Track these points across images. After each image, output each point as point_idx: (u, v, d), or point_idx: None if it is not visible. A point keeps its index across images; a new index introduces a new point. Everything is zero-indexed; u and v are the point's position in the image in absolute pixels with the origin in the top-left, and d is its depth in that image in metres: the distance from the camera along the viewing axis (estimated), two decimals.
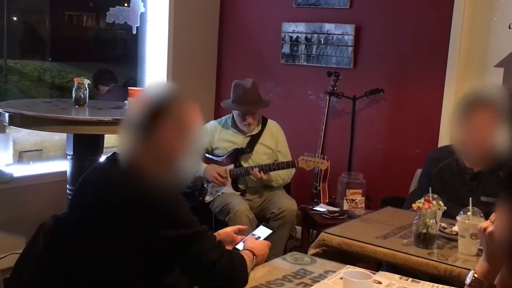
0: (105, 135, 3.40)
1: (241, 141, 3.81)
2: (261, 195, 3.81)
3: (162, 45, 4.73)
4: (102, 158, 3.28)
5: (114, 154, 1.73)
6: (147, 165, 1.65)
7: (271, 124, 3.90)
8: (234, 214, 3.51)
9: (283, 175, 3.81)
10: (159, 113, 1.65)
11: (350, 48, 4.35)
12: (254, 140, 3.81)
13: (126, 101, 3.58)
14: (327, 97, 4.24)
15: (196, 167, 1.74)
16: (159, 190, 1.61)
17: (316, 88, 4.55)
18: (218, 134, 3.83)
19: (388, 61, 4.27)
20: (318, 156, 3.68)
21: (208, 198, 3.83)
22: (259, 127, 3.84)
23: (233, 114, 3.82)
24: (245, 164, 3.78)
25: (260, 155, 3.80)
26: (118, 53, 5.15)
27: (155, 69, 4.80)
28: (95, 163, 1.91)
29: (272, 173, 3.72)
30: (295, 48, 4.64)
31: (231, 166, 3.79)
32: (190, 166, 1.71)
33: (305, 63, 4.60)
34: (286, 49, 4.69)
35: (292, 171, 3.84)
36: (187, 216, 1.67)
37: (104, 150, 3.45)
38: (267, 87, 4.74)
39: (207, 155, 3.86)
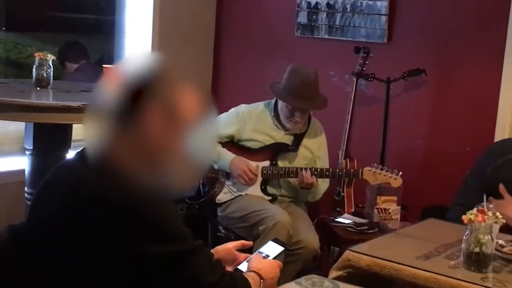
0: (74, 125, 3.39)
1: (280, 137, 3.80)
2: (285, 209, 3.76)
3: (146, 11, 4.72)
4: (70, 154, 3.29)
5: (86, 149, 1.73)
6: (127, 164, 1.64)
7: (315, 123, 3.90)
8: (274, 226, 3.46)
9: (322, 188, 3.83)
10: (140, 95, 1.63)
11: (384, 18, 4.34)
12: (298, 138, 3.81)
13: (99, 82, 3.58)
14: (354, 80, 4.23)
15: (196, 171, 1.73)
16: (142, 195, 1.61)
17: (340, 67, 4.53)
18: (253, 123, 3.81)
19: (431, 34, 4.25)
20: (388, 170, 3.68)
21: (222, 198, 3.81)
22: (305, 127, 3.84)
23: (276, 101, 3.81)
24: (282, 165, 3.77)
25: (299, 159, 3.80)
26: (90, 22, 5.14)
27: (137, 42, 4.79)
28: (62, 160, 1.91)
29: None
30: (314, 17, 4.62)
31: (266, 163, 3.79)
32: (185, 168, 1.70)
33: (326, 36, 4.59)
34: (302, 18, 4.67)
35: (326, 186, 3.86)
36: (177, 228, 1.66)
37: (72, 144, 3.45)
38: (278, 66, 4.71)
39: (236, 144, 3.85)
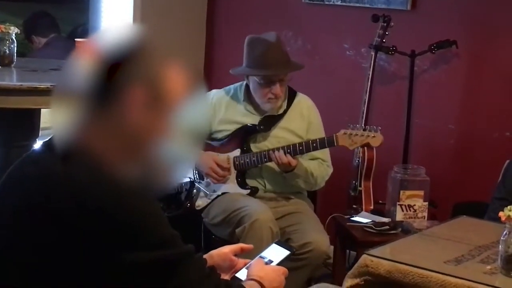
0: (43, 110, 3.39)
1: (252, 122, 3.80)
2: (281, 206, 3.77)
3: None
4: (38, 145, 3.29)
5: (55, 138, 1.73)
6: (103, 155, 1.64)
7: (302, 100, 3.88)
8: (252, 225, 3.47)
9: (317, 171, 3.76)
10: (119, 72, 1.63)
11: None
12: (272, 118, 3.79)
13: (71, 58, 3.58)
14: (372, 53, 4.22)
15: (185, 160, 1.74)
16: (121, 192, 1.61)
17: (355, 39, 4.53)
18: (223, 112, 3.81)
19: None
20: (366, 128, 3.67)
21: (200, 203, 3.81)
22: (284, 106, 3.82)
23: (246, 85, 3.80)
24: (256, 150, 3.76)
25: (279, 141, 3.76)
26: None
27: (115, 12, 4.79)
28: (28, 152, 1.91)
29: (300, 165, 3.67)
30: None
31: (237, 152, 3.80)
32: (170, 159, 1.70)
33: (339, 3, 4.59)
34: None
35: (328, 170, 3.82)
36: (163, 231, 1.66)
37: (41, 133, 3.46)
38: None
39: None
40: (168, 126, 1.68)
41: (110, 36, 1.72)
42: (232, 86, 3.88)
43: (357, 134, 3.65)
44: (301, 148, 3.65)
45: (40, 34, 4.76)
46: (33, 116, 3.39)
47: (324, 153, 3.81)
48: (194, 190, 3.83)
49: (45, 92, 3.05)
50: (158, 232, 1.66)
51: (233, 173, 3.79)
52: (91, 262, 1.61)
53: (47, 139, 1.77)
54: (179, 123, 1.68)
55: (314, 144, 3.65)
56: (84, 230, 1.59)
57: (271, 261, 2.09)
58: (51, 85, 3.06)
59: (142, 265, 1.63)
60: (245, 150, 3.78)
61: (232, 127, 3.80)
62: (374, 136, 3.66)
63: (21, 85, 3.09)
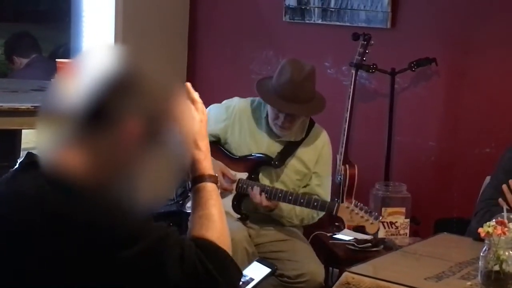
0: (24, 131, 3.39)
1: (269, 144, 3.77)
2: (271, 234, 3.76)
3: None
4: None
5: (30, 155, 1.71)
6: (86, 176, 1.63)
7: (318, 132, 3.85)
8: None
9: (303, 214, 3.76)
10: (107, 96, 1.62)
11: None
12: (289, 149, 3.78)
13: (54, 79, 3.58)
14: (353, 71, 4.24)
15: (172, 182, 1.73)
16: (92, 208, 1.59)
17: (336, 58, 4.55)
18: (245, 123, 3.78)
19: (442, 17, 4.27)
20: (368, 211, 3.61)
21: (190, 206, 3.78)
22: (302, 134, 3.80)
23: None
24: (263, 181, 3.75)
25: (289, 173, 3.77)
26: (42, 8, 5.14)
27: (97, 32, 4.79)
28: (8, 173, 1.90)
29: (285, 206, 3.67)
30: None
31: (243, 175, 3.78)
32: (159, 181, 1.68)
33: (319, 21, 4.60)
34: (291, 0, 4.68)
35: (320, 213, 3.79)
36: (132, 225, 1.63)
37: (23, 153, 3.45)
38: (264, 57, 4.74)
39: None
40: (158, 155, 1.67)
41: (99, 59, 1.70)
42: (257, 98, 3.83)
43: (357, 214, 3.59)
44: (302, 201, 3.62)
45: (21, 54, 4.76)
46: (14, 136, 3.38)
47: (326, 193, 3.82)
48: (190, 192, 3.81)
49: (26, 113, 3.05)
50: (130, 227, 1.63)
51: (233, 193, 3.77)
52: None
53: (21, 158, 1.76)
54: (168, 147, 1.68)
55: (315, 203, 3.63)
56: (58, 248, 1.59)
57: (252, 279, 2.10)
58: (31, 106, 3.06)
59: (133, 261, 1.61)
60: (253, 178, 3.76)
61: (249, 142, 3.77)
62: (372, 223, 3.61)
63: (1, 106, 3.09)
